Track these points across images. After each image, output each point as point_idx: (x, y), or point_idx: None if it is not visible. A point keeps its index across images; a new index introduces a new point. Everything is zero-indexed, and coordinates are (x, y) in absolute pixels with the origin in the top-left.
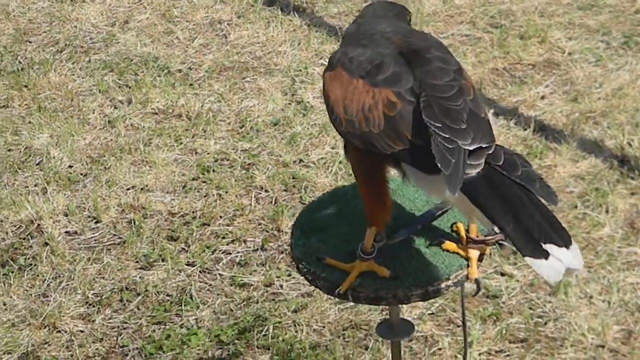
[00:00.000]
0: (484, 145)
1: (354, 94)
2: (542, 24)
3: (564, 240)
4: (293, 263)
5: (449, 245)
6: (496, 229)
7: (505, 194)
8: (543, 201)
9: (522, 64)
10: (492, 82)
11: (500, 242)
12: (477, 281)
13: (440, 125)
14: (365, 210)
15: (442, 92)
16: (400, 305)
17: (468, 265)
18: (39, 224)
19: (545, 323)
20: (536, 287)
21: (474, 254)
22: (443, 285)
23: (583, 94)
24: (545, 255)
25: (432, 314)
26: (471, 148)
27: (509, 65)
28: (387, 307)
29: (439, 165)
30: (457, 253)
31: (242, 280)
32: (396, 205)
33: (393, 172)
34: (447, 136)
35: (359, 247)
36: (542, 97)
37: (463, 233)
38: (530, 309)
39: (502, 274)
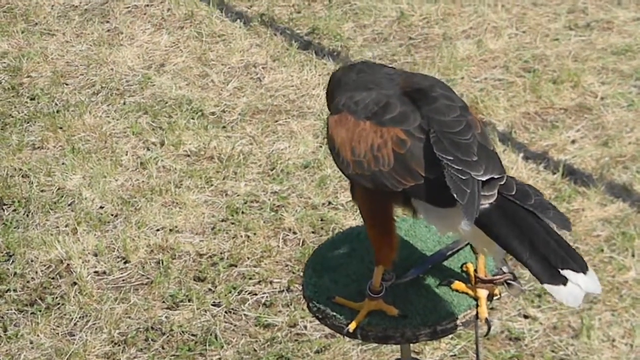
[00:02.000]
0: (495, 176)
1: (361, 136)
2: (576, 69)
3: (581, 266)
4: (304, 302)
5: (458, 285)
6: (505, 269)
7: (519, 223)
8: (556, 228)
9: (554, 108)
10: (523, 126)
11: (509, 281)
12: (487, 321)
13: (452, 158)
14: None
15: (451, 127)
16: (412, 345)
17: (477, 305)
18: (68, 264)
19: None
20: (559, 330)
21: (482, 293)
22: (452, 324)
23: (614, 139)
24: (564, 281)
25: (454, 355)
26: (484, 179)
27: (541, 109)
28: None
29: (455, 195)
30: (466, 293)
31: (266, 320)
32: (407, 245)
33: (403, 212)
34: (460, 168)
35: (368, 286)
36: (573, 141)
37: (472, 273)
38: (553, 351)
39: (526, 317)
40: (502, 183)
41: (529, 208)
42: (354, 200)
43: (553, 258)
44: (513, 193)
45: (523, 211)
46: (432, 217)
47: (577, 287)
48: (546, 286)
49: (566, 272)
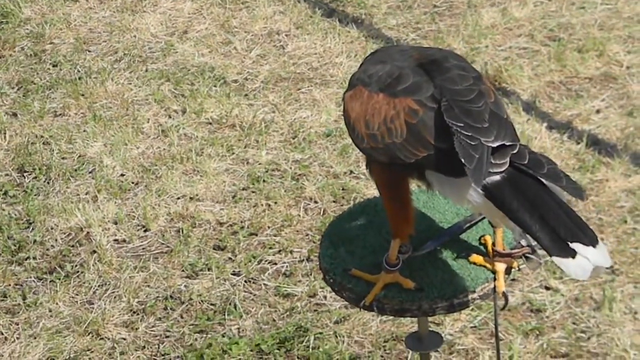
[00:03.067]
0: (507, 143)
1: (374, 108)
2: (601, 37)
3: (590, 239)
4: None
5: (476, 258)
6: (523, 242)
7: (529, 196)
8: (570, 197)
9: (578, 77)
10: (547, 96)
11: (527, 255)
12: (504, 294)
13: (462, 125)
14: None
15: (463, 95)
16: (429, 317)
17: (495, 279)
18: (88, 232)
19: (588, 338)
20: (581, 302)
21: (500, 267)
22: (469, 297)
23: (639, 108)
24: (572, 254)
25: (474, 327)
26: (494, 145)
27: (566, 78)
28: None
29: (463, 160)
30: (484, 266)
31: (286, 290)
32: (425, 217)
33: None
34: (470, 134)
35: (384, 259)
36: (598, 111)
37: (490, 246)
38: (574, 323)
39: (547, 288)
40: (514, 152)
41: (541, 177)
42: (370, 175)
43: (563, 231)
44: (525, 162)
45: (534, 183)
46: (446, 188)
47: (585, 260)
48: (555, 259)
49: (575, 245)
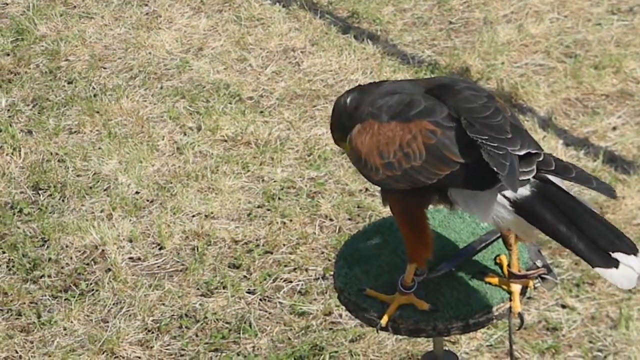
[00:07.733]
0: (532, 151)
1: (388, 137)
2: (618, 54)
3: (631, 247)
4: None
5: (491, 278)
6: (538, 263)
7: (562, 208)
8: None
9: (595, 94)
10: (564, 113)
11: (543, 276)
12: (520, 315)
13: (486, 137)
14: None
15: (480, 112)
16: (446, 338)
17: (510, 299)
18: (103, 250)
19: (605, 357)
20: (597, 320)
21: (516, 288)
22: (484, 318)
23: None
24: (616, 264)
25: (490, 345)
26: (521, 153)
27: (582, 95)
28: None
29: (495, 169)
30: (500, 286)
31: (301, 308)
32: (441, 236)
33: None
34: (496, 145)
35: (400, 281)
36: (614, 128)
37: (505, 267)
38: (590, 342)
39: (563, 306)
40: (540, 159)
41: (571, 181)
42: (385, 206)
43: (602, 241)
44: (553, 168)
45: (563, 195)
46: (471, 205)
47: (629, 269)
48: (598, 270)
49: (617, 255)
